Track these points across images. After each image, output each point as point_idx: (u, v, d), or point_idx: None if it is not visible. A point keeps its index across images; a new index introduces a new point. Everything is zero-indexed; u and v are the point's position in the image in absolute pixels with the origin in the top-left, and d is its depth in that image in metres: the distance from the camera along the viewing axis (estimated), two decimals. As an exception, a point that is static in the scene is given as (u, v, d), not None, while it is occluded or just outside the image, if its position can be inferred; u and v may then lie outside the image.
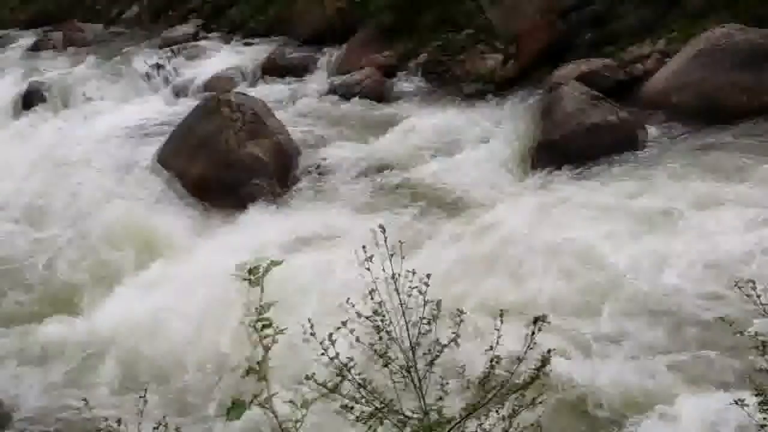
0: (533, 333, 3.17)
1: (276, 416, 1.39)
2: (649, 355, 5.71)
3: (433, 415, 3.15)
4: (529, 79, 10.98)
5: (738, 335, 2.92)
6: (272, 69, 12.85)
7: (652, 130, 9.47)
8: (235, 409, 1.41)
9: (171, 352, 6.23)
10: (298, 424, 1.40)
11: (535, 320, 3.18)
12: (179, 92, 12.86)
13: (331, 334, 3.01)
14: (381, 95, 11.39)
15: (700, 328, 5.86)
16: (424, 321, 3.20)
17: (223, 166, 9.50)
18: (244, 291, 1.47)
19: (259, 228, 8.23)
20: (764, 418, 2.91)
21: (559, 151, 9.32)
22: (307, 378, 3.24)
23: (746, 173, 8.03)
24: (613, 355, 5.80)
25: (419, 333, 3.14)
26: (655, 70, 10.32)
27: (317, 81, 12.15)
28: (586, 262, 6.73)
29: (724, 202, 7.50)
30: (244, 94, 10.68)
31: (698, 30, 10.15)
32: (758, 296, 2.73)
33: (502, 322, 3.35)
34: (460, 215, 8.01)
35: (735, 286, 2.78)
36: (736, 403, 3.13)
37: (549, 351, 3.18)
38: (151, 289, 7.22)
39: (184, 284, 7.02)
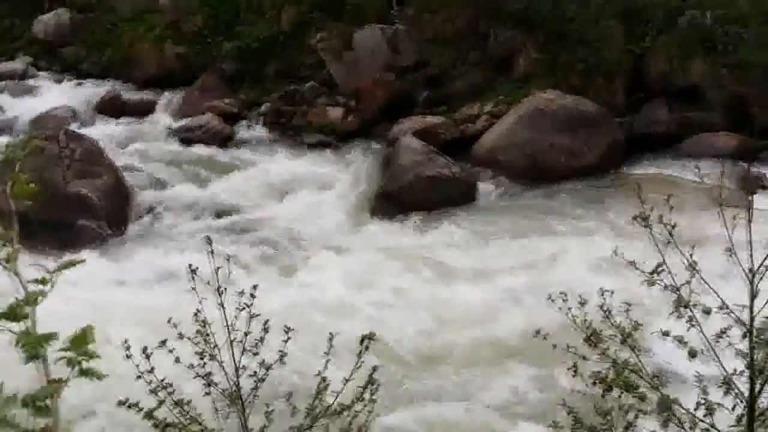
0: (360, 353, 3.23)
1: (22, 282, 1.32)
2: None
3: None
4: (369, 132, 11.36)
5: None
6: (108, 110, 12.39)
7: (482, 185, 10.06)
8: None
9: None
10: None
11: (363, 338, 3.24)
12: (2, 129, 12.03)
13: (146, 348, 2.90)
14: (222, 141, 11.30)
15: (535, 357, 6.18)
16: (254, 338, 3.16)
17: (48, 205, 8.91)
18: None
19: (79, 271, 7.75)
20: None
21: (397, 201, 9.65)
22: (121, 403, 3.08)
23: (561, 227, 8.73)
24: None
25: (242, 352, 3.10)
26: (485, 129, 11.02)
27: (156, 124, 11.86)
28: (400, 305, 6.94)
29: (545, 253, 8.09)
30: (74, 132, 10.20)
31: (523, 95, 11.00)
32: (569, 309, 2.93)
33: (331, 346, 3.38)
34: (300, 258, 8.04)
35: (548, 299, 2.97)
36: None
37: (374, 368, 3.24)
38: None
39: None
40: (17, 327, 1.29)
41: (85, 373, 1.27)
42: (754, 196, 3.08)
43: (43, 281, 1.32)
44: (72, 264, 1.44)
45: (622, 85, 11.33)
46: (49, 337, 1.27)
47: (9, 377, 1.45)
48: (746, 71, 11.21)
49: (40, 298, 1.29)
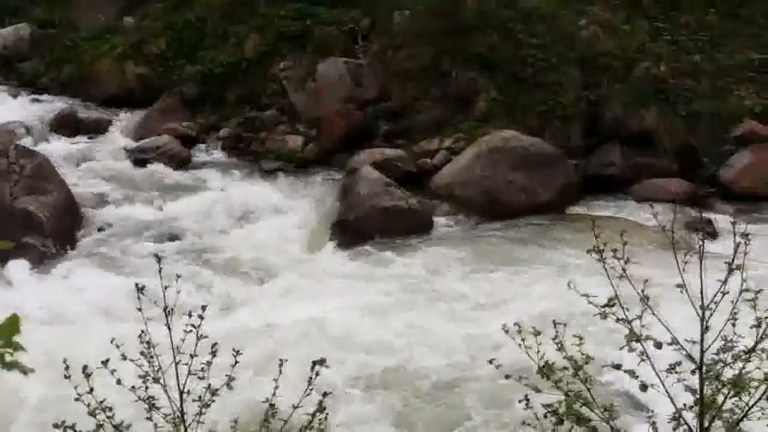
0: (310, 378, 3.17)
1: None
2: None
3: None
4: (329, 161, 11.37)
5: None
6: (64, 127, 12.16)
7: (439, 219, 10.13)
8: None
9: None
10: None
11: (314, 364, 3.18)
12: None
13: (85, 367, 2.79)
14: (179, 163, 11.15)
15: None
16: (201, 362, 3.07)
17: (-8, 221, 8.70)
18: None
19: (17, 291, 7.51)
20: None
21: (353, 230, 9.63)
22: (56, 426, 2.95)
23: (516, 262, 8.82)
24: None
25: (188, 375, 3.01)
26: (443, 164, 11.12)
27: (112, 143, 11.67)
28: (348, 338, 6.89)
29: (494, 286, 8.16)
30: (25, 148, 9.97)
31: (482, 132, 11.16)
32: (523, 339, 2.93)
33: (281, 372, 3.31)
34: (255, 283, 7.95)
35: (502, 329, 2.95)
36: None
37: (324, 395, 3.18)
38: None
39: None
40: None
41: (9, 366, 1.19)
42: (704, 240, 3.14)
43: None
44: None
45: (578, 129, 11.58)
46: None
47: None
48: (697, 121, 11.61)
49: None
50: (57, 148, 11.28)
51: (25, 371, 1.21)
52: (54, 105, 12.91)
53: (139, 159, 11.18)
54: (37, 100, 13.32)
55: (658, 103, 11.66)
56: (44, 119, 12.34)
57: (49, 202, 9.06)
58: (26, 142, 11.18)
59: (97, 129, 12.20)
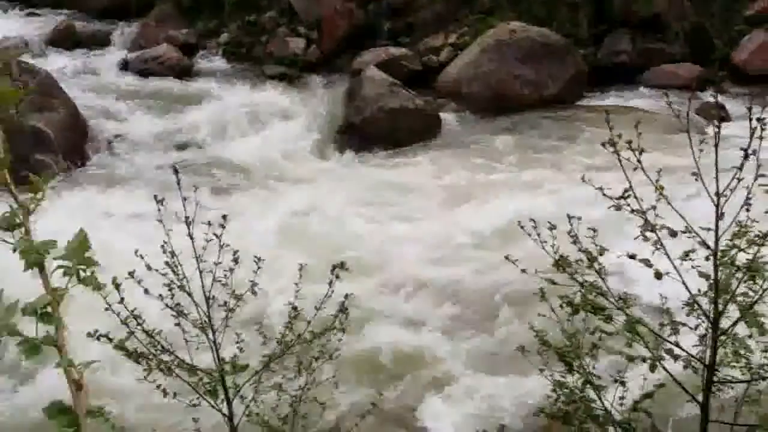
0: (331, 282, 3.23)
1: (13, 192, 1.31)
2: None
3: (227, 368, 3.09)
4: (332, 64, 11.18)
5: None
6: (61, 41, 11.95)
7: (446, 117, 10.03)
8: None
9: None
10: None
11: (334, 267, 3.24)
12: (-52, 61, 11.52)
13: (115, 278, 2.85)
14: (180, 72, 11.00)
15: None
16: (223, 269, 3.13)
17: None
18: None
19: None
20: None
21: (360, 133, 9.58)
22: (90, 335, 3.05)
23: (522, 156, 8.78)
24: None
25: (213, 282, 3.07)
26: (449, 61, 10.93)
27: (111, 56, 11.48)
28: (379, 238, 6.97)
29: (506, 182, 8.16)
30: (26, 64, 9.83)
31: (486, 26, 10.89)
32: (538, 234, 2.94)
33: (301, 276, 3.37)
34: (268, 192, 7.99)
35: (518, 224, 2.96)
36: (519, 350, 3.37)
37: (346, 296, 3.26)
38: None
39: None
40: (12, 238, 1.27)
41: (84, 282, 1.26)
42: (719, 126, 3.10)
43: (34, 189, 1.30)
44: (53, 176, 1.41)
45: (586, 17, 11.29)
46: (49, 244, 1.25)
47: (7, 288, 1.43)
48: (708, 2, 11.27)
49: (33, 206, 1.27)
50: (57, 62, 11.11)
51: (98, 287, 1.28)
52: (49, 18, 12.65)
53: (141, 70, 11.02)
54: (33, 14, 13.04)
55: (667, -15, 11.30)
56: (42, 34, 12.11)
57: (56, 118, 9.01)
58: (25, 58, 11.01)
59: (95, 42, 11.99)
